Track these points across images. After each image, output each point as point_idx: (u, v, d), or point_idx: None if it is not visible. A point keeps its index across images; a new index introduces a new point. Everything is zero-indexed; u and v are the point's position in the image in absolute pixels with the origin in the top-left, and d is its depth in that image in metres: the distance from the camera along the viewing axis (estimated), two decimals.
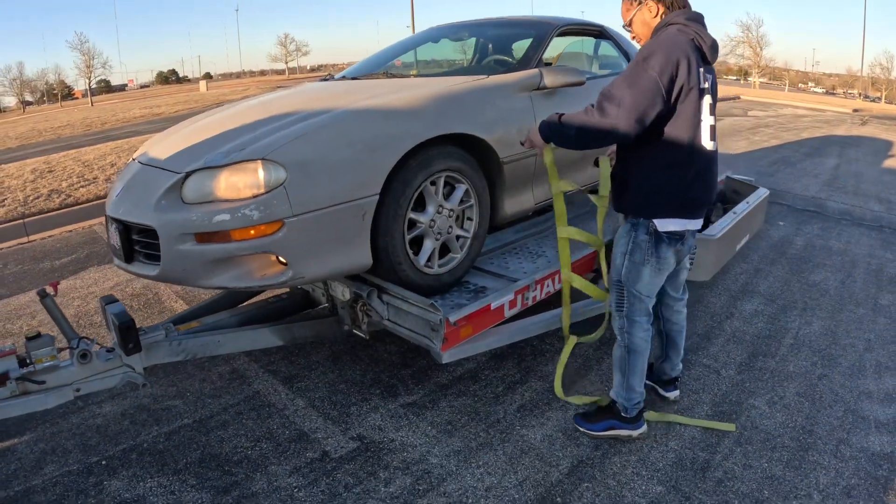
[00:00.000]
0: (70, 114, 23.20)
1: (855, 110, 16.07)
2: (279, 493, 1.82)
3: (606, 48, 3.25)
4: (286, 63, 63.08)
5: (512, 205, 2.38)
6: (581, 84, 2.43)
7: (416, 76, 2.68)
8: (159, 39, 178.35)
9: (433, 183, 2.02)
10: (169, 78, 73.36)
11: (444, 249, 2.17)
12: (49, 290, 1.96)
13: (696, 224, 1.89)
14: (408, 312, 1.99)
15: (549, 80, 2.39)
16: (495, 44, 3.03)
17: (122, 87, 63.67)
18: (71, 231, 5.03)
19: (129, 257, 1.99)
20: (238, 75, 78.09)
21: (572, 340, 2.27)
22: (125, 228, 1.96)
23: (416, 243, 2.07)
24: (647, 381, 2.27)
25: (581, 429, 2.05)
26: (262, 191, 1.71)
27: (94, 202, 5.48)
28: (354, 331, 2.18)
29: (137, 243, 1.94)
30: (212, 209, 1.75)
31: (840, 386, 2.36)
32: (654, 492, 1.79)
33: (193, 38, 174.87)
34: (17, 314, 3.26)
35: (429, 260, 2.08)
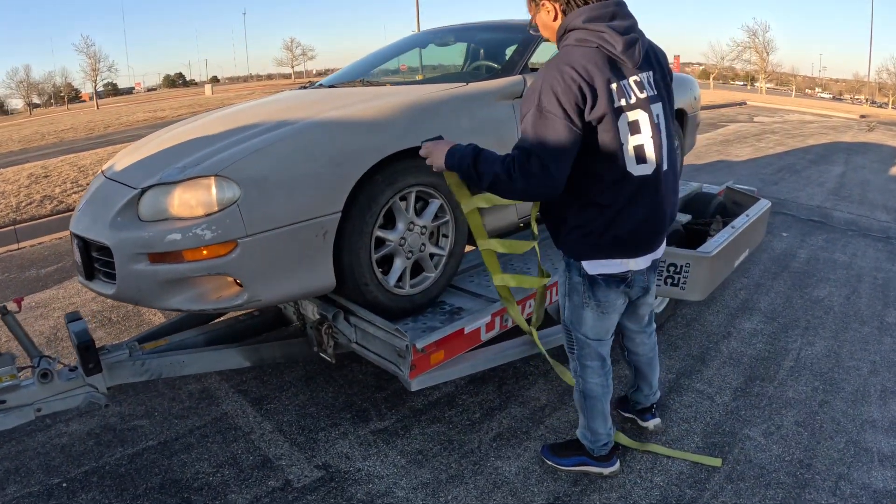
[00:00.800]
0: (75, 117, 23.36)
1: (862, 116, 15.85)
2: None
3: None
4: (292, 67, 63.44)
5: (493, 220, 2.26)
6: None
7: (392, 84, 2.57)
8: (167, 43, 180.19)
9: (403, 198, 1.91)
10: (176, 81, 73.88)
11: (418, 268, 2.06)
12: (12, 306, 1.88)
13: (641, 262, 1.62)
14: (375, 336, 1.88)
15: None
16: (481, 48, 2.93)
17: (129, 90, 64.21)
18: (60, 238, 4.97)
19: (89, 274, 1.92)
20: (245, 79, 78.55)
21: (534, 331, 2.09)
22: (85, 245, 1.87)
23: (388, 262, 1.96)
24: (625, 413, 2.14)
25: (549, 462, 1.91)
26: (215, 209, 1.61)
27: None
28: (321, 353, 2.07)
29: (97, 261, 1.86)
30: (165, 228, 1.65)
31: (842, 414, 2.22)
32: None
33: (201, 42, 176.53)
34: None
35: (400, 280, 1.97)
